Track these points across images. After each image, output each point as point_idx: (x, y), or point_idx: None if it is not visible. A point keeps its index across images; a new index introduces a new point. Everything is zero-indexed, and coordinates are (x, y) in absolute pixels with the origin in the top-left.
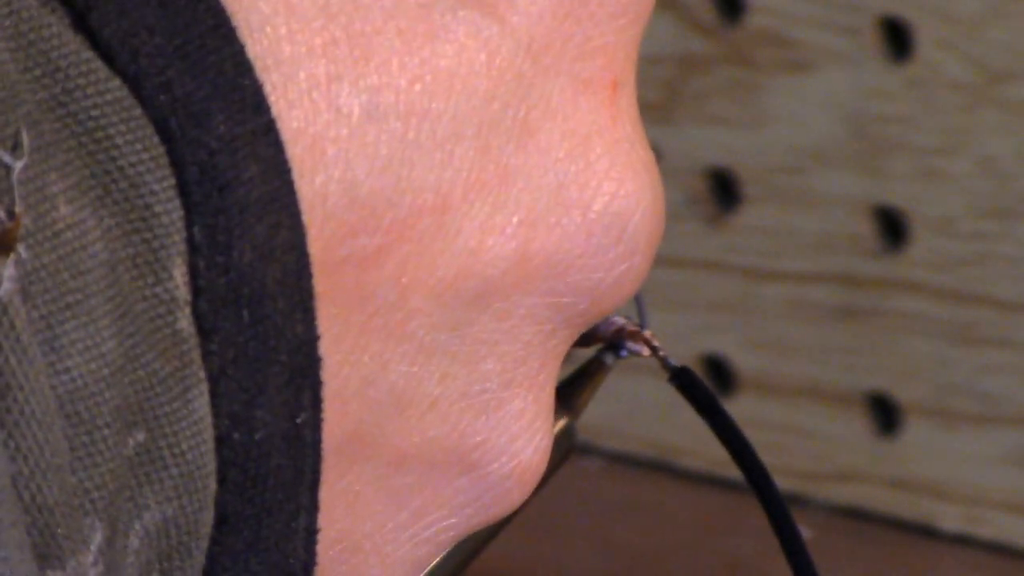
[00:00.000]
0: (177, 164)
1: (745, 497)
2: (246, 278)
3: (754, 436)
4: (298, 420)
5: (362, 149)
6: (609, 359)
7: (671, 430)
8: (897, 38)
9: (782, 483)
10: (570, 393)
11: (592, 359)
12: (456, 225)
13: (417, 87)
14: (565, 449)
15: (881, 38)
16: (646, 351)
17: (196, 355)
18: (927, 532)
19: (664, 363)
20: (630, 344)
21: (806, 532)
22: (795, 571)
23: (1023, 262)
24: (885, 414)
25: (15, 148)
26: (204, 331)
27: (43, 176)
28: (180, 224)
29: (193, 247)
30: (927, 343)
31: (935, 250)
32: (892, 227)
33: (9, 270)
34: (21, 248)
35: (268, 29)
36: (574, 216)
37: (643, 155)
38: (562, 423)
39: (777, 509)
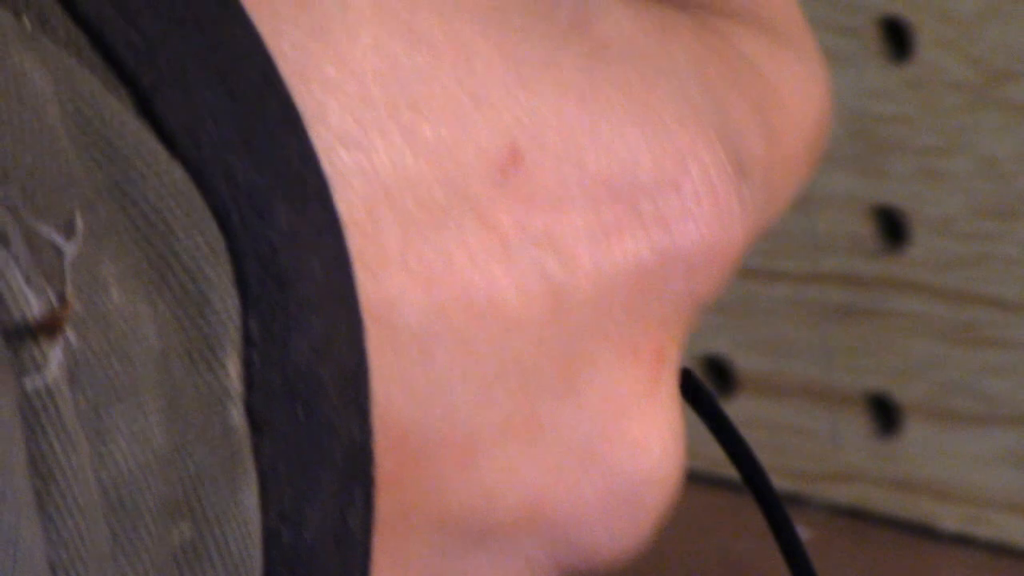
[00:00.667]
0: (236, 255)
1: (745, 497)
2: (302, 374)
3: (754, 436)
4: (348, 520)
5: (403, 375)
6: None
7: None
8: (897, 38)
9: (782, 483)
10: None
11: None
12: (478, 465)
13: (471, 320)
14: None
15: (881, 38)
16: None
17: (247, 450)
18: (927, 532)
19: None
20: None
21: (806, 532)
22: (793, 572)
23: (1023, 262)
24: (885, 414)
25: (69, 232)
26: (256, 426)
27: (96, 261)
28: (236, 316)
29: (249, 340)
30: (927, 343)
31: (935, 250)
32: (892, 227)
33: (58, 355)
34: (71, 333)
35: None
36: (595, 478)
37: (674, 426)
38: None
39: (775, 511)
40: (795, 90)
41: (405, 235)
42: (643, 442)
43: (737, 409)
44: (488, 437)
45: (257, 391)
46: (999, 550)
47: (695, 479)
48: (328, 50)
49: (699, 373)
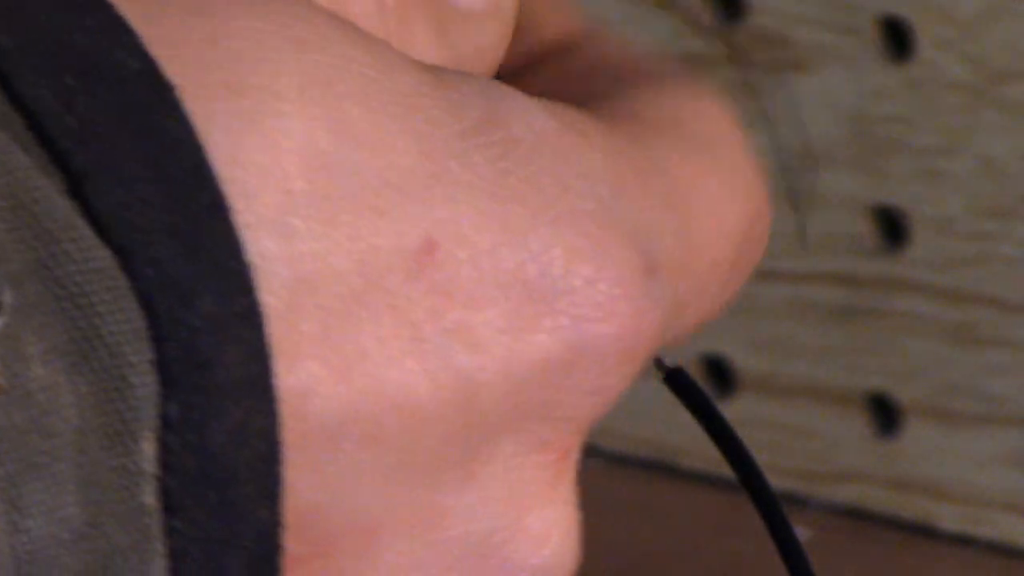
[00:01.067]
0: (158, 339)
1: (745, 497)
2: (217, 460)
3: (754, 436)
4: None
5: (311, 463)
6: None
7: (671, 430)
8: (897, 38)
9: (782, 483)
10: None
11: None
12: (376, 553)
13: (381, 411)
14: None
15: (881, 38)
16: None
17: (158, 530)
18: (927, 532)
19: (658, 363)
20: None
21: (806, 532)
22: (791, 572)
23: (1023, 262)
24: (885, 414)
25: None
26: (169, 507)
27: (21, 336)
28: (155, 399)
29: (167, 423)
30: (927, 343)
31: (935, 250)
32: (892, 227)
33: None
34: None
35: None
36: (493, 569)
37: (572, 519)
38: None
39: (771, 511)
40: (717, 201)
41: (322, 325)
42: (542, 535)
43: (737, 409)
44: (389, 526)
45: (172, 474)
46: (999, 550)
47: (695, 479)
48: (258, 138)
49: (699, 373)
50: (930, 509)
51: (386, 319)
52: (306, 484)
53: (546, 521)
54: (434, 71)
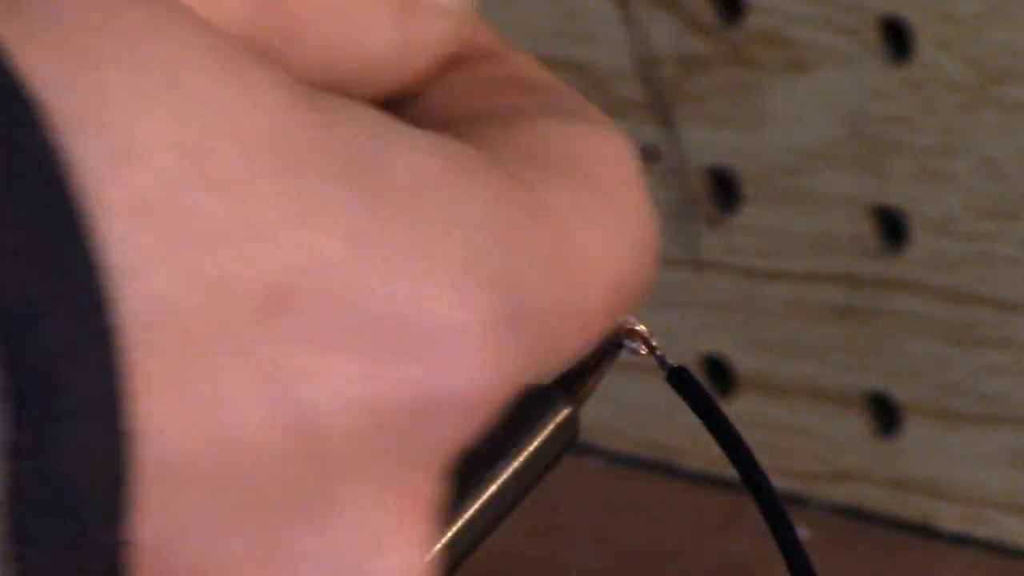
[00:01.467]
0: (9, 364)
1: (745, 497)
2: (66, 485)
3: (754, 436)
4: None
5: (150, 501)
6: (613, 351)
7: (671, 430)
8: (897, 38)
9: (782, 483)
10: (573, 382)
11: (595, 349)
12: None
13: (221, 454)
14: (568, 438)
15: (881, 38)
16: (644, 349)
17: (9, 557)
18: (927, 532)
19: (661, 362)
20: (628, 342)
21: (806, 532)
22: (793, 572)
23: (1023, 262)
24: (885, 414)
25: None
26: (18, 534)
27: None
28: (7, 424)
29: (19, 449)
30: (927, 343)
31: (935, 250)
32: (892, 227)
33: None
34: None
35: None
36: None
37: (423, 561)
38: (566, 412)
39: (774, 510)
40: (603, 240)
41: (167, 365)
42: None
43: (737, 409)
44: (232, 567)
45: (22, 499)
46: (999, 550)
47: (695, 479)
48: (115, 174)
49: (699, 373)
50: (930, 509)
51: (233, 361)
52: (145, 526)
53: (396, 565)
54: (319, 108)
